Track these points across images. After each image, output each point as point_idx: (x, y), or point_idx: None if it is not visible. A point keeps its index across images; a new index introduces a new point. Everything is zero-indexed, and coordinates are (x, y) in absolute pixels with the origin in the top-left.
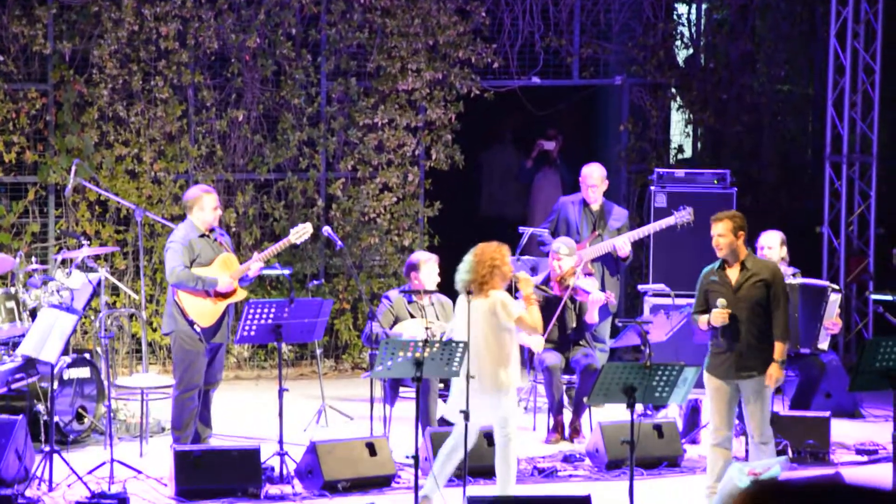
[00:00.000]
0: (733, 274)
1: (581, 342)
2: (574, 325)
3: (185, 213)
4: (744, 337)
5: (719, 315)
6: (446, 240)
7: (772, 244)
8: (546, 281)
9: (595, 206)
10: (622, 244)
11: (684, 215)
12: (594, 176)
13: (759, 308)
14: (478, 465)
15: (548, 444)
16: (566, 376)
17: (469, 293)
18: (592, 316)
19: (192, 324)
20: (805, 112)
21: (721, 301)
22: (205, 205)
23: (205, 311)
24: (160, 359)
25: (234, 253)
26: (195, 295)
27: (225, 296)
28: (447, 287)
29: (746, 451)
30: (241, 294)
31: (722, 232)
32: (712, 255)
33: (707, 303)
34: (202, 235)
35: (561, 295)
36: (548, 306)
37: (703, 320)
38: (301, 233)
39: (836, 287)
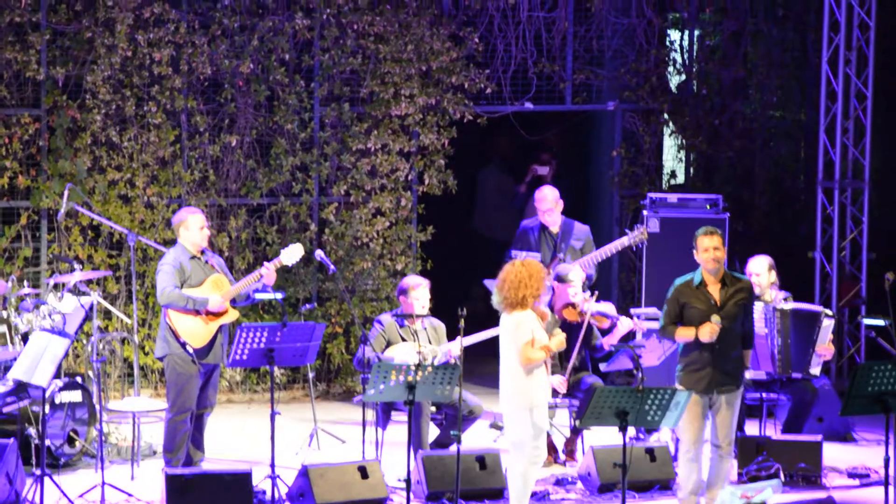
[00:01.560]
0: (715, 291)
1: (585, 371)
2: (581, 352)
3: (175, 236)
4: (724, 353)
5: (709, 331)
6: (439, 264)
7: (759, 270)
8: (550, 307)
9: (554, 229)
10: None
11: (636, 234)
12: (548, 200)
13: (735, 324)
14: (469, 489)
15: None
16: (567, 399)
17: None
18: (614, 339)
19: (184, 345)
20: (797, 138)
21: (715, 317)
22: (190, 225)
23: (196, 332)
24: (152, 382)
25: (228, 274)
26: (186, 315)
27: (216, 316)
28: (440, 311)
29: (739, 473)
30: (234, 314)
31: (718, 245)
32: None
33: (682, 315)
34: (193, 258)
35: (576, 321)
36: (566, 333)
37: (684, 333)
38: (292, 254)
39: (830, 312)
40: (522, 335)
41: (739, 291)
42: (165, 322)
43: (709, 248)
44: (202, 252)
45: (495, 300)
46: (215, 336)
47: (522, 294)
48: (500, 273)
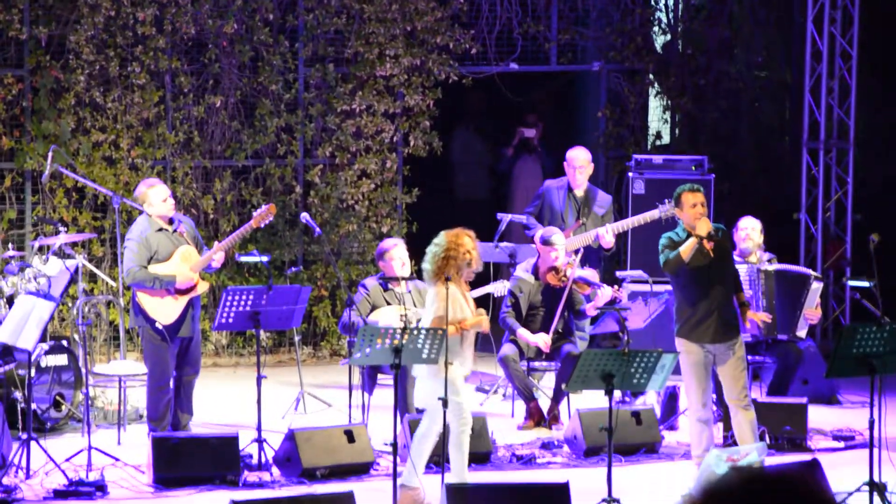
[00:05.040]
0: (706, 244)
1: (570, 337)
2: (565, 316)
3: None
4: (724, 301)
5: (705, 225)
6: (425, 226)
7: (754, 227)
8: (535, 270)
9: (580, 192)
10: (605, 233)
11: (668, 209)
12: (580, 158)
13: (731, 271)
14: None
15: (520, 430)
16: (551, 363)
17: (448, 279)
18: (594, 309)
19: (153, 323)
20: (782, 98)
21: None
22: (152, 199)
23: (165, 309)
24: (138, 346)
25: (199, 237)
26: (152, 294)
27: (185, 291)
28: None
29: (725, 436)
30: (203, 287)
31: (704, 201)
32: None
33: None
34: (160, 230)
35: (559, 286)
36: (548, 297)
37: (688, 245)
38: (263, 216)
39: (819, 276)
40: (436, 309)
41: (722, 239)
42: (135, 297)
43: (696, 204)
44: (170, 221)
45: (425, 267)
46: (185, 311)
47: (448, 269)
48: (436, 240)
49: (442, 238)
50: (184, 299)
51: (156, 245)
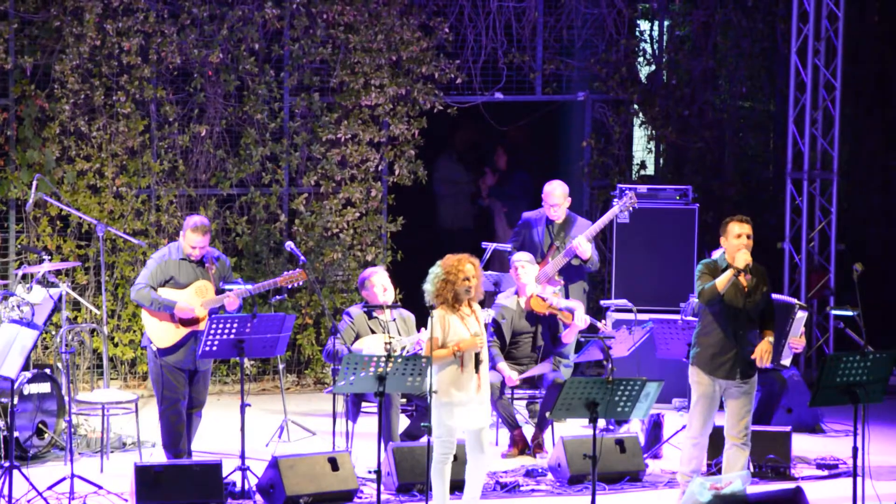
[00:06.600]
0: (742, 277)
1: (549, 359)
2: (545, 343)
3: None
4: (748, 341)
5: (743, 258)
6: (409, 255)
7: None
8: (516, 293)
9: (558, 222)
10: (578, 243)
11: (626, 201)
12: (555, 194)
13: (760, 310)
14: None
15: (504, 457)
16: (532, 391)
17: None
18: (570, 337)
19: (149, 343)
20: (766, 128)
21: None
22: (186, 236)
23: (162, 333)
24: (121, 374)
25: (230, 277)
26: (153, 314)
27: (187, 322)
28: (411, 302)
29: (709, 464)
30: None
31: (750, 232)
32: (674, 270)
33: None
34: (184, 259)
35: (543, 314)
36: (532, 324)
37: (724, 277)
38: (292, 279)
39: (804, 305)
40: (431, 332)
41: (761, 278)
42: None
43: (741, 235)
44: (200, 261)
45: (426, 287)
46: (184, 341)
47: (445, 293)
48: (439, 262)
49: (444, 261)
50: (184, 330)
51: (174, 271)
